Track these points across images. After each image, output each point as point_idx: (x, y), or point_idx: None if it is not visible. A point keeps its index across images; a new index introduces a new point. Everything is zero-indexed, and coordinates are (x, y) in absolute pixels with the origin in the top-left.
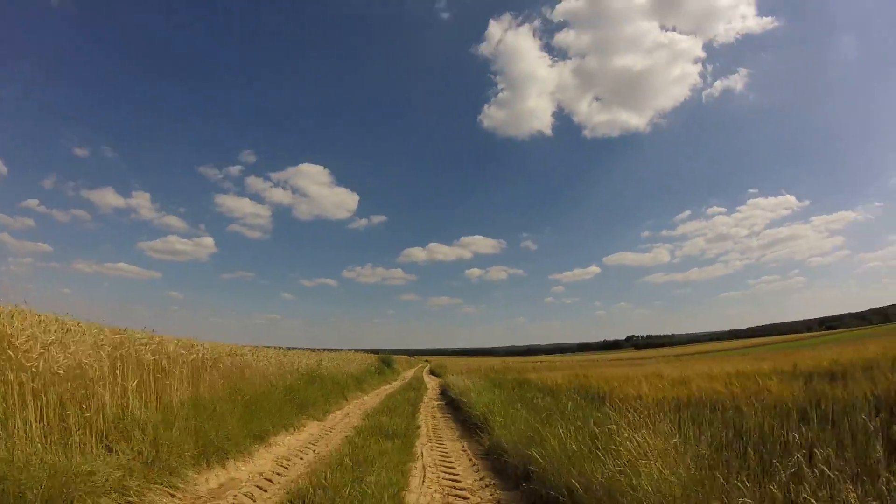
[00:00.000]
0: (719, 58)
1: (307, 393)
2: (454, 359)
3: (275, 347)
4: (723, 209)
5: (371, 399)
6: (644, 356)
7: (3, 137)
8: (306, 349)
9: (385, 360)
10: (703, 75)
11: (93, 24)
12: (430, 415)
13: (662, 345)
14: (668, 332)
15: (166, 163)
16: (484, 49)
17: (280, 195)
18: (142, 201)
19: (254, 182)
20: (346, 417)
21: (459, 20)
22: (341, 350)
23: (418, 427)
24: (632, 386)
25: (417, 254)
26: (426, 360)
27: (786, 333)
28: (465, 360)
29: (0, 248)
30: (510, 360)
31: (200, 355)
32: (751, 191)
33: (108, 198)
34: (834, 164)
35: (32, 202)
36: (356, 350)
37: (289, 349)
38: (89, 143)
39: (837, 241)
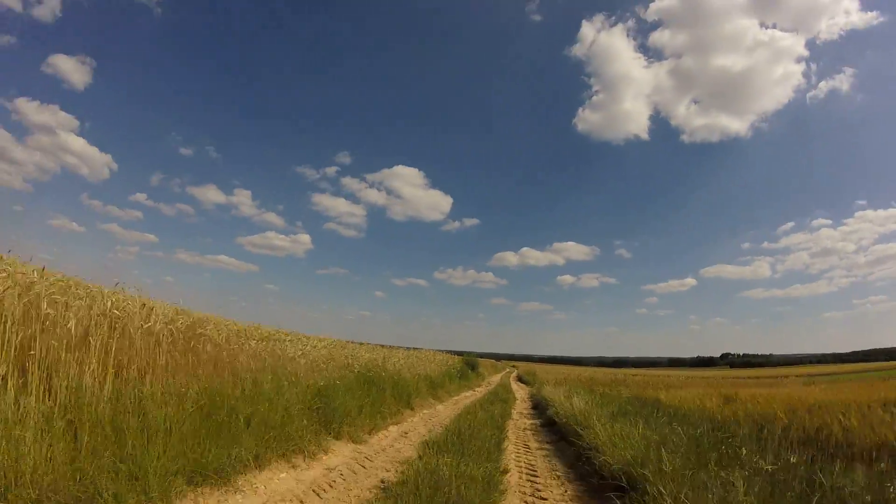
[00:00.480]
0: (823, 56)
1: (348, 398)
2: (542, 366)
3: (359, 343)
4: (828, 221)
5: (446, 409)
6: (750, 375)
7: (114, 136)
8: (391, 347)
9: (469, 363)
10: (806, 75)
11: (194, 31)
12: (521, 443)
13: (760, 364)
14: (765, 352)
15: (266, 163)
16: (577, 50)
17: (375, 196)
18: (242, 198)
19: (349, 182)
20: (404, 438)
21: (551, 22)
22: (422, 349)
23: (505, 473)
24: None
25: (509, 258)
26: (513, 366)
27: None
28: (555, 367)
29: (110, 238)
30: (600, 371)
31: (161, 324)
32: (859, 202)
33: (211, 194)
34: None
35: (141, 196)
36: (444, 351)
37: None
38: (194, 143)
39: None
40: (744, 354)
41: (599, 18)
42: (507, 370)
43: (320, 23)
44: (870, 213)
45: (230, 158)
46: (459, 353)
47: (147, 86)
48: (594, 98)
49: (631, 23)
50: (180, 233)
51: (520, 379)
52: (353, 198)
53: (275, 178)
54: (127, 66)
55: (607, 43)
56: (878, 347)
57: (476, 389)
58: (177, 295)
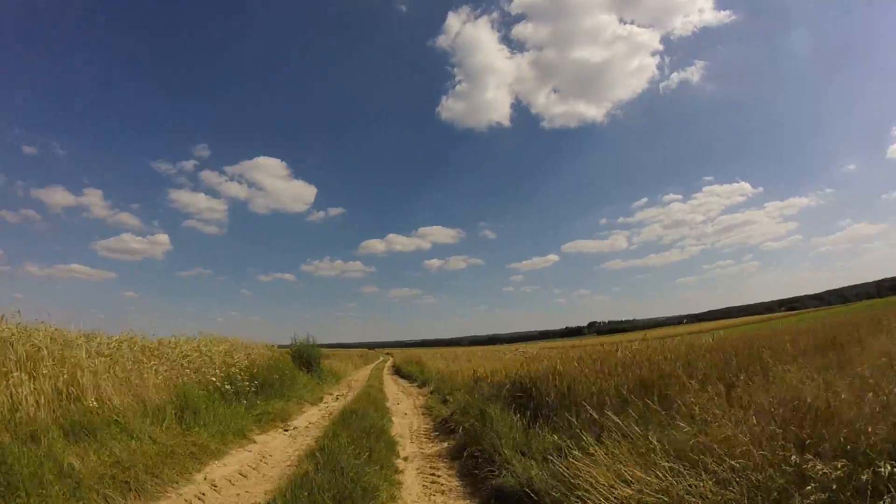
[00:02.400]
0: (677, 50)
1: None
2: (423, 350)
3: None
4: (679, 196)
5: None
6: (606, 341)
7: None
8: None
9: (302, 354)
10: (660, 67)
11: (36, 20)
12: None
13: (624, 330)
14: (630, 318)
15: (117, 158)
16: (442, 41)
17: (236, 189)
18: (94, 199)
19: (209, 176)
20: None
21: (417, 12)
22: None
23: None
24: None
25: (376, 245)
26: (388, 353)
27: (745, 315)
28: (438, 350)
29: None
30: (480, 349)
31: None
32: (706, 178)
33: (59, 196)
34: (787, 152)
35: None
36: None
37: None
38: (38, 141)
39: (791, 226)
40: (609, 322)
41: (465, 10)
42: (381, 359)
43: (173, 8)
44: (716, 187)
45: (77, 155)
46: (334, 347)
47: None
48: (458, 87)
49: (496, 15)
50: (27, 242)
51: (398, 371)
52: (213, 192)
53: (128, 175)
54: None
55: (472, 34)
56: (731, 306)
57: (308, 411)
58: (29, 313)
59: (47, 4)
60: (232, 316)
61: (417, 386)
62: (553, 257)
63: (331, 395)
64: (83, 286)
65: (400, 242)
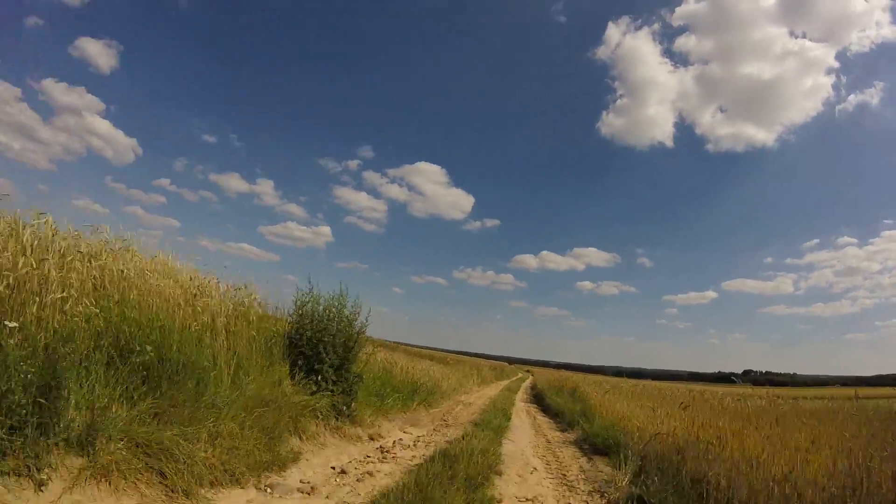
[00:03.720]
0: (854, 68)
1: None
2: (578, 375)
3: None
4: (854, 240)
5: None
6: (761, 394)
7: (139, 121)
8: None
9: (305, 335)
10: (836, 87)
11: (221, 20)
12: None
13: (783, 384)
14: (787, 371)
15: (288, 154)
16: (601, 53)
17: (396, 191)
18: (265, 188)
19: (371, 177)
20: None
21: (576, 23)
22: None
23: None
24: None
25: (529, 261)
26: (528, 371)
27: None
28: (590, 377)
29: (134, 220)
30: (638, 383)
31: None
32: (886, 221)
33: (234, 182)
34: None
35: (164, 181)
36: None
37: None
38: (218, 131)
39: None
40: (766, 372)
41: (625, 21)
42: (519, 376)
43: (346, 17)
44: None
45: (253, 148)
46: (478, 356)
47: (172, 72)
48: (618, 102)
49: (657, 26)
50: (202, 219)
51: (538, 400)
52: (374, 192)
53: (297, 170)
54: (153, 52)
55: (632, 46)
56: None
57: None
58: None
59: (233, 7)
60: (382, 312)
61: (580, 443)
62: (711, 294)
63: (377, 439)
64: (250, 264)
65: (553, 260)
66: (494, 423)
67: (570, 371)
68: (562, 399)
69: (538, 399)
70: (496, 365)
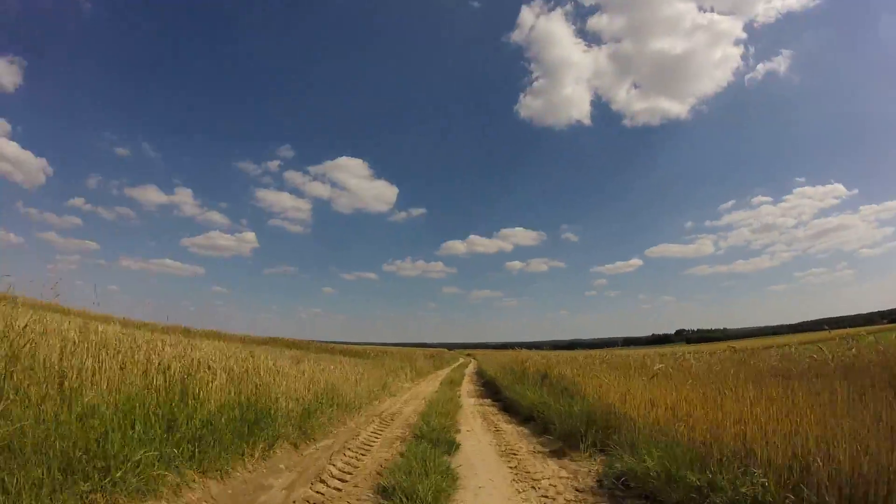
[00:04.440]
0: (761, 39)
1: None
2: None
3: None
4: (769, 198)
5: None
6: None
7: (48, 139)
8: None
9: None
10: (744, 58)
11: (126, 25)
12: None
13: (716, 339)
14: (718, 326)
15: (205, 159)
16: (516, 36)
17: (319, 189)
18: (184, 197)
19: (293, 176)
20: None
21: (490, 7)
22: None
23: None
24: None
25: (457, 246)
26: (468, 355)
27: (842, 327)
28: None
29: (48, 247)
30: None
31: None
32: (798, 179)
33: (151, 195)
34: (884, 150)
35: (78, 200)
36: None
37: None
38: (129, 143)
39: (888, 231)
40: (698, 330)
41: (538, 3)
42: (460, 362)
43: (256, 16)
44: (808, 189)
45: (168, 157)
46: (417, 345)
47: (79, 85)
48: (535, 84)
49: (569, 7)
50: (122, 238)
51: (488, 389)
52: (297, 192)
53: (216, 175)
54: (58, 65)
55: (546, 28)
56: (827, 317)
57: None
58: (123, 305)
59: (127, 15)
60: (315, 313)
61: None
62: (637, 262)
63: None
64: (175, 280)
65: (481, 244)
66: (430, 461)
67: (514, 349)
68: (532, 391)
69: (492, 391)
70: (433, 353)
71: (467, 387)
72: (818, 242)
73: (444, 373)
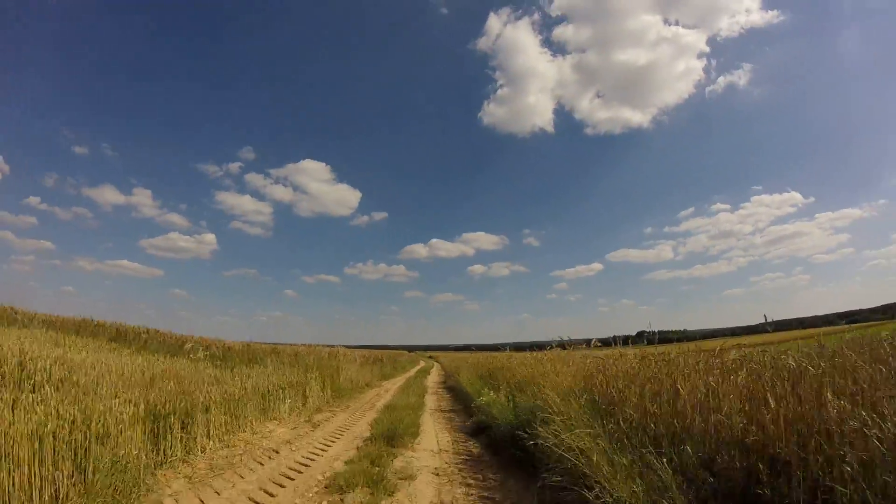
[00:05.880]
0: (723, 53)
1: None
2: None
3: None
4: (727, 206)
5: None
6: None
7: (2, 137)
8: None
9: None
10: (707, 70)
11: (87, 24)
12: None
13: (677, 340)
14: (680, 328)
15: (166, 160)
16: (483, 44)
17: (280, 192)
18: (143, 199)
19: (254, 179)
20: None
21: (458, 14)
22: None
23: None
24: None
25: (419, 250)
26: (430, 357)
27: (796, 329)
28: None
29: (3, 247)
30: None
31: None
32: (755, 188)
33: (109, 195)
34: (839, 160)
35: (34, 200)
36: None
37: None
38: (88, 142)
39: (842, 238)
40: (659, 331)
41: (506, 11)
42: (421, 365)
43: (221, 18)
44: (765, 197)
45: (127, 156)
46: (378, 348)
47: (36, 82)
48: (499, 91)
49: (536, 16)
50: (78, 238)
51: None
52: (258, 195)
53: (175, 176)
54: (14, 58)
55: (513, 36)
56: (781, 319)
57: None
58: (79, 306)
59: (90, 13)
60: (276, 316)
61: None
62: (597, 266)
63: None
64: (132, 282)
65: (443, 248)
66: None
67: (471, 353)
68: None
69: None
70: (390, 355)
71: (432, 401)
72: (774, 248)
73: (403, 378)
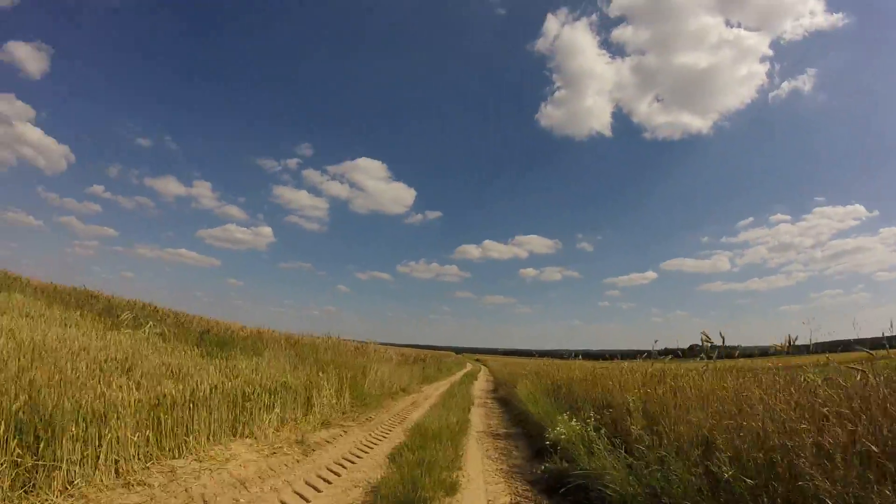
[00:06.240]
0: (787, 56)
1: None
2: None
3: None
4: (787, 217)
5: None
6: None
7: (71, 127)
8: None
9: None
10: (770, 75)
11: (153, 18)
12: None
13: (729, 356)
14: (733, 344)
15: (225, 154)
16: (541, 45)
17: (337, 188)
18: (203, 190)
19: (311, 175)
20: None
21: (515, 15)
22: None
23: None
24: None
25: (472, 251)
26: (477, 360)
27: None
28: (542, 363)
29: (68, 231)
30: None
31: None
32: (817, 199)
33: (170, 186)
34: None
35: (98, 188)
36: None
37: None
38: (151, 134)
39: None
40: (712, 346)
41: (563, 12)
42: (468, 369)
43: (282, 13)
44: (828, 209)
45: (189, 149)
46: (428, 348)
47: (104, 75)
48: (557, 93)
49: (595, 17)
50: (140, 226)
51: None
52: (315, 190)
53: (235, 170)
54: (84, 53)
55: (571, 37)
56: (839, 339)
57: None
58: (138, 291)
59: (155, 10)
60: (328, 310)
61: None
62: (651, 274)
63: None
64: (190, 270)
65: (496, 249)
66: None
67: (522, 357)
68: None
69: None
70: (433, 355)
71: (477, 432)
72: (835, 263)
73: (439, 390)
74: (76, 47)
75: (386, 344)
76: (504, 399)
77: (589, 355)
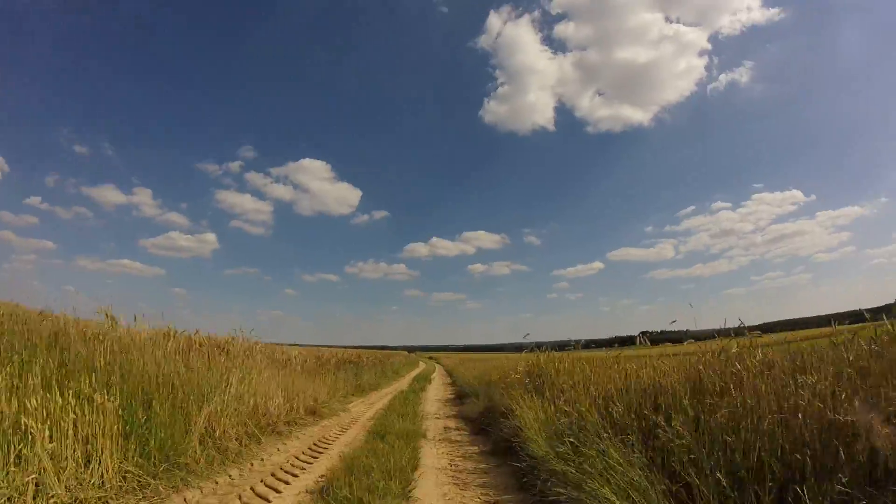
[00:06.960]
0: (725, 50)
1: None
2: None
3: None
4: (728, 204)
5: None
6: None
7: (3, 137)
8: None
9: None
10: (708, 68)
11: (87, 22)
12: None
13: (679, 340)
14: (682, 329)
15: (166, 159)
16: (483, 42)
17: (281, 191)
18: (143, 198)
19: (254, 178)
20: None
21: (458, 12)
22: None
23: None
24: None
25: (420, 249)
26: (430, 358)
27: (802, 328)
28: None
29: (4, 246)
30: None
31: None
32: (756, 185)
33: (110, 194)
34: (841, 157)
35: (35, 199)
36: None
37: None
38: (88, 141)
39: (843, 236)
40: (661, 331)
41: (506, 9)
42: (420, 369)
43: (220, 17)
44: (766, 195)
45: (128, 156)
46: (378, 348)
47: (37, 81)
48: (500, 89)
49: (537, 14)
50: (79, 238)
51: None
52: (258, 194)
53: (176, 175)
54: (14, 58)
55: (513, 34)
56: (783, 318)
57: None
58: (80, 305)
59: (89, 12)
60: (276, 315)
61: None
62: (598, 265)
63: None
64: (134, 281)
65: (444, 246)
66: None
67: (472, 353)
68: None
69: None
70: (374, 356)
71: None
72: (775, 247)
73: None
74: (6, 53)
75: (338, 347)
76: (474, 420)
77: (523, 348)
